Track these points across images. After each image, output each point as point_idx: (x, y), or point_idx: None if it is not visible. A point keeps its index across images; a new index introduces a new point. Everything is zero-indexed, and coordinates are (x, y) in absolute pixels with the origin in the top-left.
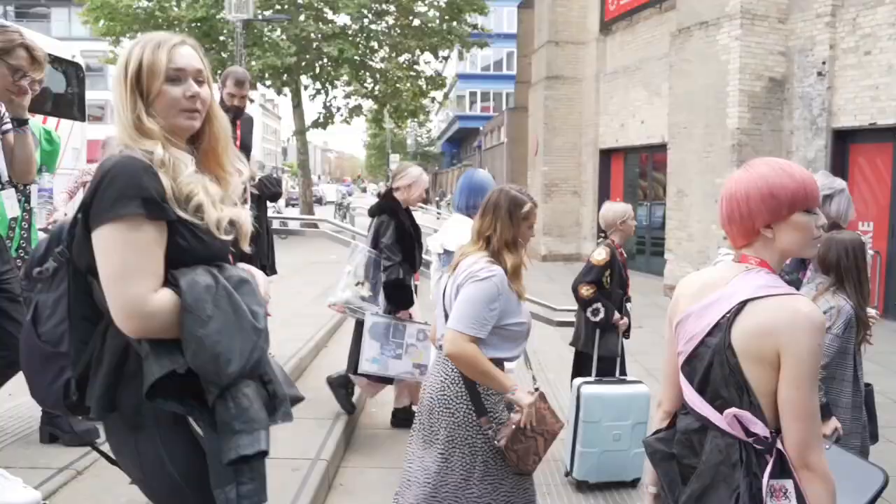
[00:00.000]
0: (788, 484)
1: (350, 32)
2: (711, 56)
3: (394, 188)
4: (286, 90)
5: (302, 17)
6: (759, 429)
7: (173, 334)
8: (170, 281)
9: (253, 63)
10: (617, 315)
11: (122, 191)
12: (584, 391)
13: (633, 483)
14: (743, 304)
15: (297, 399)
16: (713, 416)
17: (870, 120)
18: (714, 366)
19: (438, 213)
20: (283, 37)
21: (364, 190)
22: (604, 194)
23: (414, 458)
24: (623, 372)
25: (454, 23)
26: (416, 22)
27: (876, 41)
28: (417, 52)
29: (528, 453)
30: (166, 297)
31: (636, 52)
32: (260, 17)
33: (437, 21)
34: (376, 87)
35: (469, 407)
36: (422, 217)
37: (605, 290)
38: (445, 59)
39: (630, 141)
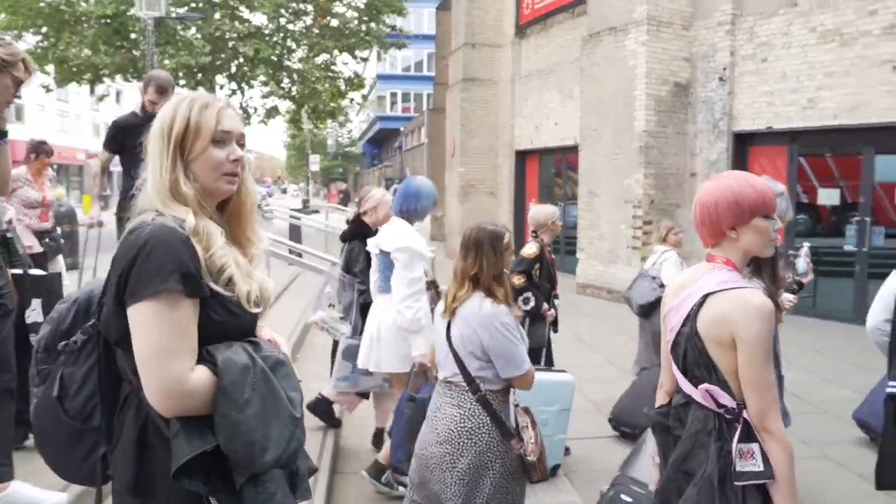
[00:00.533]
0: (755, 447)
1: (267, 32)
2: (620, 61)
3: (361, 213)
4: (201, 90)
5: (217, 16)
6: (727, 400)
7: (205, 412)
8: (205, 357)
9: (166, 62)
10: (546, 306)
11: (160, 266)
12: None
13: (554, 470)
14: (705, 297)
15: (313, 471)
16: (694, 393)
17: (766, 124)
18: (688, 350)
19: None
20: (198, 35)
21: (284, 191)
22: (520, 195)
23: (433, 483)
24: (550, 363)
25: (372, 24)
26: (334, 22)
27: (771, 49)
28: (335, 52)
29: (543, 461)
30: (203, 375)
31: (550, 55)
32: (173, 15)
33: (356, 22)
34: (294, 88)
35: (492, 434)
36: (341, 217)
37: (534, 283)
38: (364, 60)
39: (544, 143)
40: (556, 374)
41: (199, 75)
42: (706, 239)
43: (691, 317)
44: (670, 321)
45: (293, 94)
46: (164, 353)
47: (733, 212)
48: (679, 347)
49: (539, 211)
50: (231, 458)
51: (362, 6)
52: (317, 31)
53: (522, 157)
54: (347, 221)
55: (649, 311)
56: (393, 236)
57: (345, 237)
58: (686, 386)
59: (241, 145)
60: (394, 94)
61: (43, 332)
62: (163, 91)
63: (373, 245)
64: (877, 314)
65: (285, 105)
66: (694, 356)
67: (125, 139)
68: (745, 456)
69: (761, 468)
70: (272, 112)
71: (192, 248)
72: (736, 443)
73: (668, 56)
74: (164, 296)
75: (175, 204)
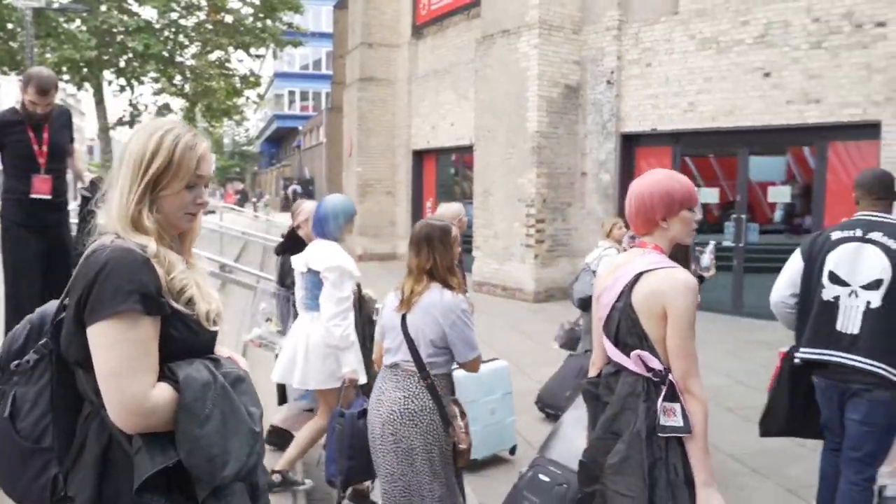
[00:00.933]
0: (677, 406)
1: (157, 27)
2: (513, 63)
3: (295, 227)
4: (87, 85)
5: (104, 8)
6: (656, 364)
7: (167, 428)
8: (166, 374)
9: (48, 56)
10: None
11: (119, 286)
12: (456, 375)
13: (513, 451)
14: (639, 275)
15: (272, 485)
16: (624, 361)
17: (651, 126)
18: (621, 322)
19: (256, 215)
20: (83, 28)
21: None
22: (417, 194)
23: (380, 463)
24: None
25: (268, 21)
26: (229, 18)
27: (655, 55)
28: (230, 49)
29: (469, 450)
30: (165, 392)
31: (446, 56)
32: (55, 5)
33: (251, 19)
34: (187, 85)
35: (433, 418)
36: (237, 219)
37: None
38: (259, 57)
39: (441, 142)
40: (491, 364)
41: (85, 70)
42: (639, 228)
43: (626, 292)
44: (604, 299)
45: (186, 91)
46: (125, 372)
47: (665, 204)
48: (613, 321)
49: (447, 209)
50: (192, 473)
51: (258, 2)
52: (210, 27)
53: (419, 156)
54: (282, 235)
55: (587, 304)
56: (322, 255)
57: (278, 251)
58: (617, 355)
59: (206, 185)
60: (292, 93)
61: None
62: (44, 92)
63: (300, 263)
64: (781, 290)
65: (178, 103)
66: (627, 327)
67: (4, 136)
68: (668, 413)
69: (681, 424)
70: (164, 110)
71: (152, 268)
72: (661, 401)
73: (559, 59)
74: (123, 315)
75: (135, 233)
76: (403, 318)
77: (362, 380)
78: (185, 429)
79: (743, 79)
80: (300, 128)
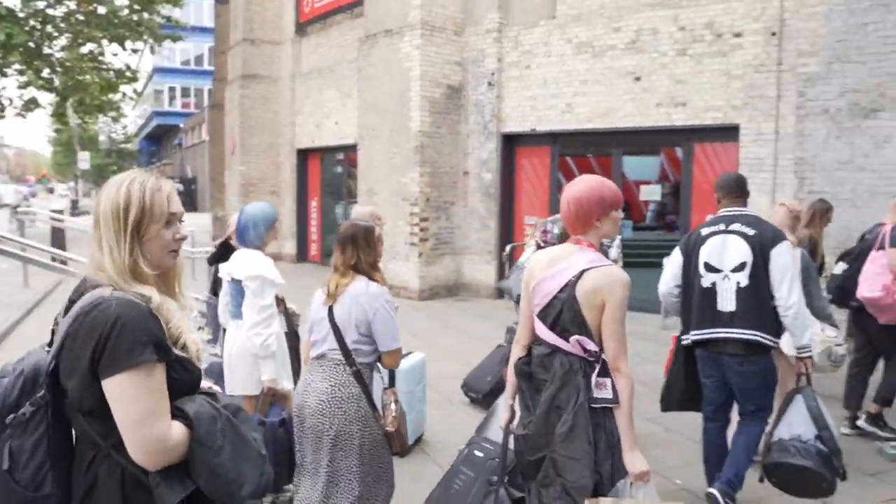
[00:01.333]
0: (608, 381)
1: (21, 15)
2: (395, 63)
3: (228, 237)
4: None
5: None
6: (592, 346)
7: (181, 460)
8: (175, 413)
9: None
10: None
11: (135, 339)
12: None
13: (418, 440)
14: (583, 271)
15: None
16: (562, 344)
17: (530, 126)
18: (564, 311)
19: None
20: None
21: (51, 190)
22: (302, 194)
23: (307, 454)
24: None
25: (145, 14)
26: (102, 10)
27: (534, 57)
28: (104, 42)
29: (403, 436)
30: (179, 430)
31: (329, 54)
32: None
33: (126, 11)
34: (56, 79)
35: (360, 405)
36: None
37: None
38: (135, 51)
39: (325, 141)
40: (412, 357)
41: None
42: (576, 227)
43: (570, 285)
44: (543, 288)
45: (56, 85)
46: (148, 418)
47: (600, 206)
48: (553, 309)
49: (358, 211)
50: (214, 498)
51: None
52: (81, 18)
53: (304, 155)
54: (215, 246)
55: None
56: (244, 264)
57: (211, 260)
58: (554, 339)
59: (181, 221)
60: (172, 89)
61: None
62: None
63: (224, 272)
64: (668, 282)
65: (47, 97)
66: (570, 316)
67: None
68: (600, 387)
69: (611, 396)
70: (31, 104)
71: (158, 319)
72: (595, 377)
73: (441, 60)
74: (141, 366)
75: (136, 283)
76: (330, 309)
77: (286, 387)
78: (202, 460)
79: (616, 82)
80: (181, 125)
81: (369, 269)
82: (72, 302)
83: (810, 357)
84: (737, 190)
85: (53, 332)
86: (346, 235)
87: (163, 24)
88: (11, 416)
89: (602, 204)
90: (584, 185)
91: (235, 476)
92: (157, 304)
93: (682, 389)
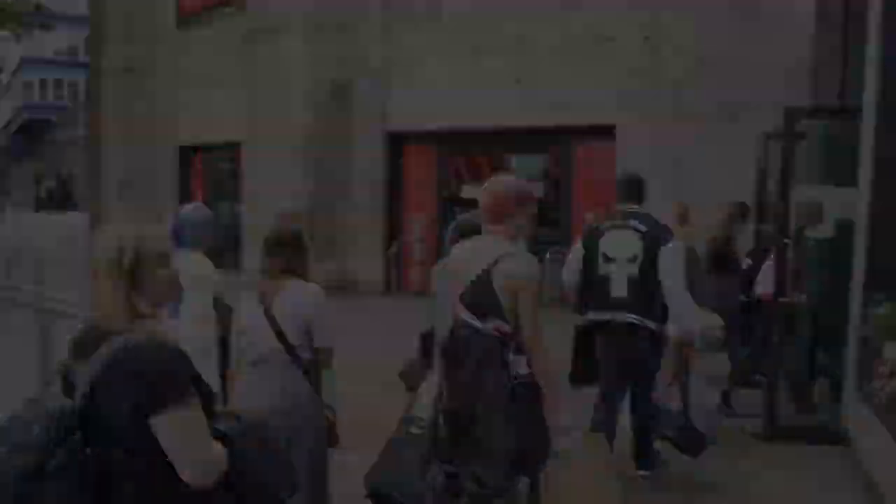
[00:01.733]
0: (521, 358)
1: None
2: (279, 61)
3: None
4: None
5: None
6: (506, 329)
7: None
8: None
9: None
10: None
11: (177, 379)
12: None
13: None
14: (498, 258)
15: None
16: (480, 325)
17: (417, 125)
18: (482, 294)
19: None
20: None
21: None
22: (184, 193)
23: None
24: None
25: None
26: None
27: (420, 57)
28: None
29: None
30: (221, 449)
31: (212, 50)
32: None
33: None
34: None
35: (313, 398)
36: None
37: None
38: None
39: (208, 139)
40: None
41: None
42: (495, 220)
43: (487, 271)
44: (465, 274)
45: None
46: (202, 446)
47: (516, 200)
48: (472, 293)
49: (283, 209)
50: (257, 501)
51: None
52: None
53: (186, 153)
54: None
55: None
56: (180, 266)
57: None
58: (473, 321)
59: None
60: (43, 81)
61: (16, 461)
62: None
63: None
64: (572, 270)
65: None
66: (487, 300)
67: None
68: (516, 364)
69: (526, 371)
70: None
71: (185, 354)
72: (511, 354)
73: (326, 58)
74: (186, 402)
75: (142, 323)
76: (267, 311)
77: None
78: (241, 469)
79: (500, 83)
80: (54, 119)
81: (302, 271)
82: (82, 346)
83: (692, 340)
84: (632, 190)
85: (65, 377)
86: (273, 240)
87: (30, 11)
88: (52, 464)
89: (518, 198)
90: (501, 182)
91: (272, 480)
92: (175, 342)
93: (583, 367)
